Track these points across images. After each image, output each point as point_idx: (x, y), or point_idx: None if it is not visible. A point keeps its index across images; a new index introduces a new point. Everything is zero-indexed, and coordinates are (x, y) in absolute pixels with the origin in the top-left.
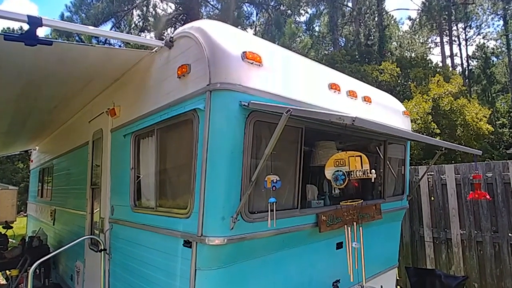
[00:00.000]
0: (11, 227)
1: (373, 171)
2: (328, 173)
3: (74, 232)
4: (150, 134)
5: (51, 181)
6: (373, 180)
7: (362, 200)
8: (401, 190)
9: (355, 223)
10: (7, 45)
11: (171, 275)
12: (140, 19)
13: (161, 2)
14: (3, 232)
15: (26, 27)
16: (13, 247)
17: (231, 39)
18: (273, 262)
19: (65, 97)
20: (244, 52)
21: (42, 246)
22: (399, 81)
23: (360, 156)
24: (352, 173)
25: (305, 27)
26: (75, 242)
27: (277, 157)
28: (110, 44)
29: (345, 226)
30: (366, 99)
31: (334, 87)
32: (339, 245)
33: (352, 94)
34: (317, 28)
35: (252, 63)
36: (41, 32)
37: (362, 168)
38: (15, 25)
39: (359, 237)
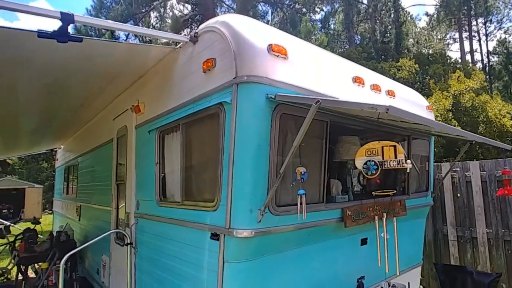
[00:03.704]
0: (39, 223)
1: (409, 161)
2: (359, 163)
3: (100, 227)
4: (175, 129)
5: (76, 179)
6: (408, 170)
7: (393, 192)
8: (425, 187)
9: (380, 219)
10: (37, 43)
11: (198, 267)
12: (157, 21)
13: (178, 3)
14: (31, 227)
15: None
16: (42, 241)
17: (256, 32)
18: (298, 256)
19: (90, 95)
20: (270, 45)
21: (69, 240)
22: (417, 78)
23: (395, 146)
24: (385, 163)
25: (320, 25)
26: (102, 236)
27: (302, 151)
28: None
29: (374, 220)
30: (390, 93)
31: (358, 80)
32: (364, 241)
33: (376, 88)
34: (332, 26)
35: (277, 56)
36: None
37: (396, 158)
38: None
39: (387, 233)
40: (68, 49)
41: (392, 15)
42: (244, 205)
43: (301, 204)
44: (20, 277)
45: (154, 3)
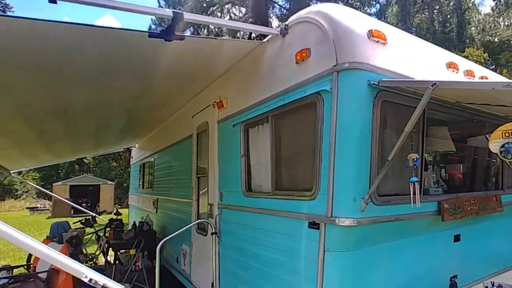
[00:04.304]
0: (121, 214)
1: None
2: (494, 146)
3: (178, 218)
4: (263, 122)
5: (152, 174)
6: None
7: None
8: None
9: (476, 214)
10: (136, 43)
11: (292, 255)
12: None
13: (233, 7)
14: (114, 218)
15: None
16: (128, 230)
17: (354, 18)
18: (394, 249)
19: (173, 94)
20: (370, 30)
21: (150, 230)
22: (487, 67)
23: None
24: None
25: (376, 18)
26: (190, 225)
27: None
28: None
29: (470, 215)
30: (484, 79)
31: (452, 66)
32: (457, 238)
33: (470, 73)
34: (388, 19)
35: (377, 42)
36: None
37: None
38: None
39: (480, 229)
40: (160, 48)
41: (452, 3)
42: (347, 194)
43: (414, 192)
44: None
45: (211, 9)
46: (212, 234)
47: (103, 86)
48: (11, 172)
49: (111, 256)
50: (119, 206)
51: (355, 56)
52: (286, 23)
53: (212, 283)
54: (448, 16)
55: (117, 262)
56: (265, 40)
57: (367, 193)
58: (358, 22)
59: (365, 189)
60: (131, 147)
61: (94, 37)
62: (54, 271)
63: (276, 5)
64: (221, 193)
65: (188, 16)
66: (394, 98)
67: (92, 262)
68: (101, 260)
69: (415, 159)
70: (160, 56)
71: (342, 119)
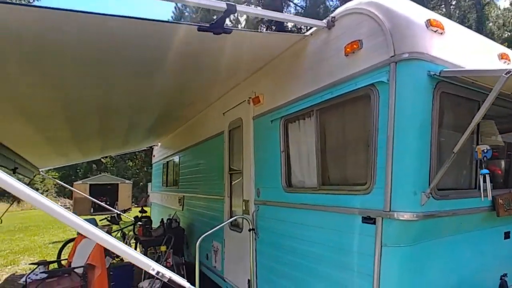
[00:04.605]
0: (146, 211)
1: None
2: None
3: (208, 216)
4: (306, 116)
5: (178, 172)
6: None
7: None
8: None
9: None
10: (180, 38)
11: (341, 251)
12: (232, 24)
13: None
14: (139, 216)
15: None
16: (157, 227)
17: (410, 8)
18: (450, 245)
19: (204, 91)
20: (428, 20)
21: (179, 227)
22: None
23: None
24: None
25: None
26: (228, 221)
27: (453, 131)
28: None
29: None
30: None
31: (504, 57)
32: (507, 235)
33: None
34: None
35: (435, 31)
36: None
37: None
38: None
39: None
40: (205, 44)
41: None
42: (407, 187)
43: (485, 185)
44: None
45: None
46: (249, 230)
47: (141, 84)
48: (40, 170)
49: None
50: (136, 205)
51: (415, 46)
52: (333, 15)
53: (249, 280)
54: (466, 11)
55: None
56: (307, 33)
57: (428, 186)
58: (415, 11)
59: (425, 183)
60: (154, 145)
61: (142, 31)
62: (90, 267)
63: (291, 4)
64: (258, 189)
65: (240, 8)
66: (452, 89)
67: (119, 259)
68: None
69: (485, 151)
70: (201, 52)
71: (401, 110)
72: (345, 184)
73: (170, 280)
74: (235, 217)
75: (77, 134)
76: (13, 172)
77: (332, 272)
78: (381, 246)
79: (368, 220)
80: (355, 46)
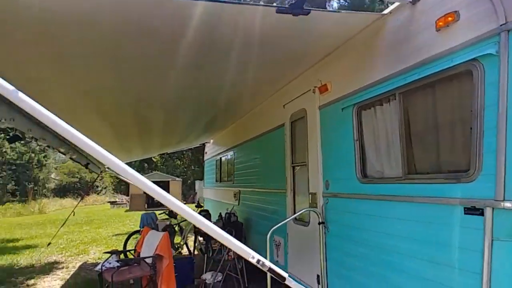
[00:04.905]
0: (202, 206)
1: None
2: None
3: (268, 210)
4: (385, 101)
5: (232, 167)
6: None
7: None
8: None
9: None
10: (254, 21)
11: (434, 245)
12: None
13: None
14: (197, 210)
15: None
16: (216, 221)
17: None
18: None
19: (266, 82)
20: None
21: (237, 221)
22: None
23: None
24: None
25: None
26: (297, 214)
27: None
28: None
29: None
30: None
31: None
32: None
33: None
34: None
35: None
36: None
37: None
38: None
39: None
40: (275, 28)
41: None
42: None
43: None
44: (195, 251)
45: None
46: (319, 224)
47: (201, 75)
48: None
49: (191, 247)
50: (185, 202)
51: None
52: None
53: (318, 275)
54: None
55: (200, 251)
56: (386, 11)
57: None
58: None
59: None
60: (206, 142)
61: (210, 13)
62: (158, 257)
63: None
64: (327, 181)
65: None
66: None
67: (177, 252)
68: (185, 250)
69: None
70: (273, 37)
71: None
72: (438, 172)
73: (269, 269)
74: (304, 209)
75: (143, 129)
76: (85, 167)
77: (420, 268)
78: (492, 240)
79: (473, 211)
80: (449, 18)
